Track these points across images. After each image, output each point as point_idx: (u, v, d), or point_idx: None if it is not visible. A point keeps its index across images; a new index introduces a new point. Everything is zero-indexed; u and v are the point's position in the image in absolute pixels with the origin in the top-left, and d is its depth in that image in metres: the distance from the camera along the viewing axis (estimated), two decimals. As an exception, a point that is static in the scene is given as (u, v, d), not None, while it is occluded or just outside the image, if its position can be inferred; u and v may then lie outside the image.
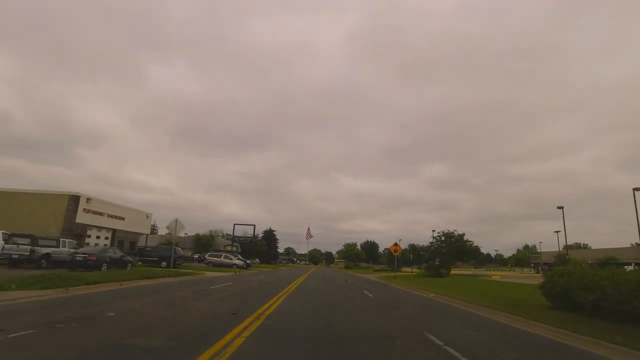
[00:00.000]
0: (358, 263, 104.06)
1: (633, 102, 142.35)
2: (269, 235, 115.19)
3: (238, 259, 45.73)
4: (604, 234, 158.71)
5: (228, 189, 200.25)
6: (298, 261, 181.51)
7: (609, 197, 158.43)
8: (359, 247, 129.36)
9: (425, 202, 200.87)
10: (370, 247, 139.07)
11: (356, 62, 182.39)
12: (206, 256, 42.90)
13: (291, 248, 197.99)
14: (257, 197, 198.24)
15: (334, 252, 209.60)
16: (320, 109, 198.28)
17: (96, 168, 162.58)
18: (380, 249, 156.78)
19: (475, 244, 39.22)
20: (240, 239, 69.09)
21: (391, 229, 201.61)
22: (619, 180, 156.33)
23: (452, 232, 39.22)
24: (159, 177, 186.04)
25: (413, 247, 59.51)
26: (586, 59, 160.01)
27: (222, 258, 41.63)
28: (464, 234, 38.96)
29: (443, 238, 39.68)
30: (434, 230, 38.56)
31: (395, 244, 32.97)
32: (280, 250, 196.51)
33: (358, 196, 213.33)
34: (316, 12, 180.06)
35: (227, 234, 66.84)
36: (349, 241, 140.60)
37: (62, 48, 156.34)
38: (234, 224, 68.39)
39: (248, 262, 49.88)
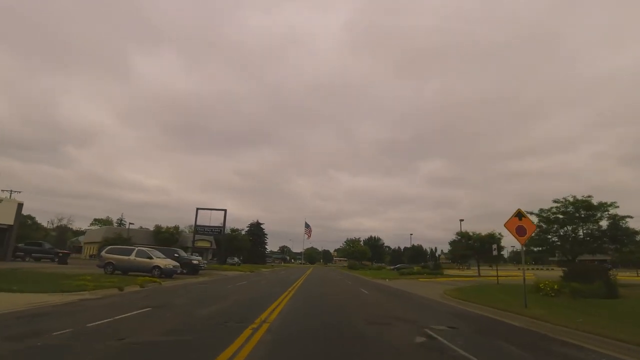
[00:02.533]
0: (365, 262, 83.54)
1: (635, 94, 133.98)
2: (256, 230, 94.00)
3: (175, 258, 25.24)
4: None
5: (224, 188, 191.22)
6: (293, 260, 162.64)
7: (608, 193, 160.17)
8: (362, 243, 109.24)
9: (424, 200, 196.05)
10: (373, 244, 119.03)
11: (353, 54, 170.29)
12: (102, 253, 22.04)
13: (286, 246, 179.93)
14: (254, 196, 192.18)
15: (331, 251, 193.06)
16: (317, 104, 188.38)
17: (88, 167, 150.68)
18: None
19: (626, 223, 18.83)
20: (207, 229, 48.17)
21: (388, 227, 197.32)
22: (619, 176, 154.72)
23: (587, 199, 18.74)
24: (153, 176, 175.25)
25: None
26: (589, 50, 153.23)
27: (132, 256, 21.02)
28: (613, 204, 18.49)
29: (570, 208, 19.00)
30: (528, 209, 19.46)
31: (520, 214, 12.40)
32: (275, 248, 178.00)
33: (356, 194, 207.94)
34: (312, 2, 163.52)
35: (207, 227, 46.42)
36: (347, 239, 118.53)
37: (45, 40, 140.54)
38: (197, 209, 47.59)
39: (200, 262, 29.16)
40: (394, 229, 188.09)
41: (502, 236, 34.09)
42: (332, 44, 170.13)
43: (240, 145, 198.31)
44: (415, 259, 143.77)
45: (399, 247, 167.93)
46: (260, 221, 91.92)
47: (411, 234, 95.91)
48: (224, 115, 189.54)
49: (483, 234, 34.62)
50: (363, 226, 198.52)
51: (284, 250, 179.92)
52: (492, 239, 33.80)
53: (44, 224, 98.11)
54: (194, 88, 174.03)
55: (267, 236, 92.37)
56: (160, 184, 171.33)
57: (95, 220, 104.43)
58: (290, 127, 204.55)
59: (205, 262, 36.66)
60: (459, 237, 36.52)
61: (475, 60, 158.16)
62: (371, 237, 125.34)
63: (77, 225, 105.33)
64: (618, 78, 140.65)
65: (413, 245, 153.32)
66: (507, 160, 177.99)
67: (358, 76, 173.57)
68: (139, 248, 22.08)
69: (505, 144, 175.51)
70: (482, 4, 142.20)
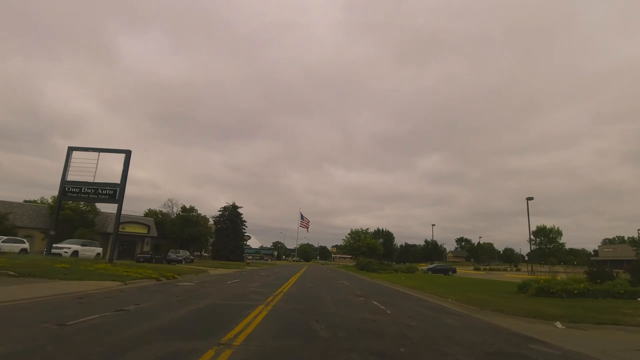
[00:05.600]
0: (384, 262, 59.30)
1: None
2: (231, 215, 69.54)
3: None
4: (596, 229, 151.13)
5: (215, 182, 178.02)
6: (285, 257, 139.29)
7: (608, 192, 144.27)
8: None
9: (420, 196, 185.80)
10: (383, 238, 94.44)
11: (350, 40, 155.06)
12: None
13: (280, 242, 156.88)
14: (246, 190, 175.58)
15: (329, 247, 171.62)
16: (312, 94, 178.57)
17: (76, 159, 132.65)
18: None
19: None
20: (86, 188, 23.53)
21: (384, 224, 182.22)
22: (620, 174, 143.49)
23: None
24: (142, 169, 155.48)
25: None
26: (598, 39, 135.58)
27: None
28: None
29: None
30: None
31: None
32: (268, 243, 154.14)
33: (351, 190, 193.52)
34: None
35: (86, 185, 22.10)
36: (352, 230, 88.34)
37: (21, 21, 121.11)
38: (69, 149, 22.95)
39: None
40: (389, 226, 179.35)
41: None
42: (329, 27, 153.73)
43: (231, 137, 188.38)
44: (430, 256, 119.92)
45: (405, 244, 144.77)
46: (237, 204, 67.41)
47: (433, 225, 72.14)
48: (214, 105, 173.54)
49: None
50: (357, 223, 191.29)
51: (277, 246, 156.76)
52: None
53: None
54: (182, 75, 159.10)
55: (246, 224, 67.76)
56: (149, 177, 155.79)
57: (25, 201, 79.66)
58: (284, 118, 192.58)
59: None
60: None
61: (478, 47, 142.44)
62: (379, 229, 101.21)
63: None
64: (626, 70, 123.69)
65: (426, 241, 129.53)
66: (506, 156, 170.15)
67: (355, 63, 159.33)
68: None
69: (505, 139, 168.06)
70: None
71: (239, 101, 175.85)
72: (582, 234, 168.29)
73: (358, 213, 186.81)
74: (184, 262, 37.93)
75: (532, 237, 62.12)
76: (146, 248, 42.47)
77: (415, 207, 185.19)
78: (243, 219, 67.02)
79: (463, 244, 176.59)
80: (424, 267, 46.55)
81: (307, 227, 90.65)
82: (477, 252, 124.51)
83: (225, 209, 66.23)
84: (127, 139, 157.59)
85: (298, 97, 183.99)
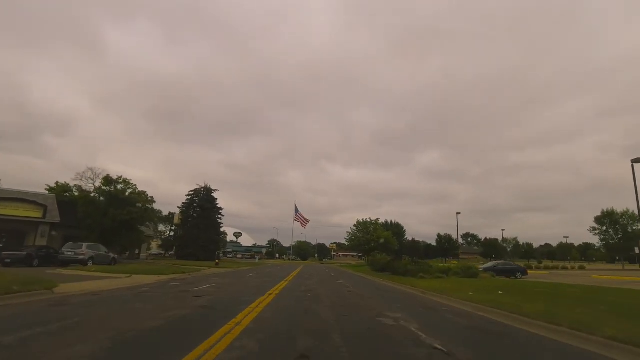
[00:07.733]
0: (416, 258, 42.92)
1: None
2: (204, 201, 53.22)
3: None
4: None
5: (212, 181, 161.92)
6: (278, 256, 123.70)
7: (610, 187, 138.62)
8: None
9: (419, 194, 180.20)
10: (395, 232, 77.70)
11: (347, 35, 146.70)
12: None
13: (276, 240, 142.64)
14: (243, 189, 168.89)
15: (327, 244, 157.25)
16: (309, 89, 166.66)
17: (69, 158, 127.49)
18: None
19: None
20: None
21: (383, 221, 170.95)
22: (622, 169, 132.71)
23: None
24: (137, 168, 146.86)
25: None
26: (602, 30, 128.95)
27: None
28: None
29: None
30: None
31: None
32: (264, 242, 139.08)
33: (349, 188, 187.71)
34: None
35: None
36: (358, 220, 66.01)
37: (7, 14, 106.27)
38: None
39: None
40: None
41: None
42: (326, 18, 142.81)
43: (227, 134, 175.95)
44: (444, 252, 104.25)
45: (413, 239, 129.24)
46: (212, 187, 50.82)
47: (458, 213, 55.55)
48: (210, 101, 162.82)
49: None
50: (355, 221, 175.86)
51: (272, 244, 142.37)
52: None
53: None
54: (176, 71, 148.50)
55: (223, 211, 51.16)
56: (145, 176, 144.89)
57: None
58: (281, 115, 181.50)
59: None
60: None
61: (481, 36, 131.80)
62: (387, 221, 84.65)
63: None
64: (632, 62, 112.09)
65: (439, 235, 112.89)
66: (507, 150, 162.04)
67: (353, 55, 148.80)
68: None
69: (507, 133, 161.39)
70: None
71: (234, 97, 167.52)
72: (583, 230, 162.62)
73: (356, 211, 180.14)
74: (91, 264, 21.68)
75: (596, 225, 46.17)
76: (42, 241, 25.95)
77: (414, 205, 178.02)
78: (219, 206, 50.43)
79: (469, 239, 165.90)
80: (483, 266, 30.37)
81: (304, 223, 74.64)
82: (496, 248, 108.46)
83: (195, 192, 49.64)
84: (120, 136, 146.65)
85: (295, 92, 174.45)
